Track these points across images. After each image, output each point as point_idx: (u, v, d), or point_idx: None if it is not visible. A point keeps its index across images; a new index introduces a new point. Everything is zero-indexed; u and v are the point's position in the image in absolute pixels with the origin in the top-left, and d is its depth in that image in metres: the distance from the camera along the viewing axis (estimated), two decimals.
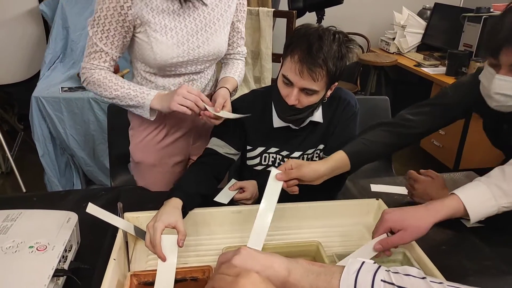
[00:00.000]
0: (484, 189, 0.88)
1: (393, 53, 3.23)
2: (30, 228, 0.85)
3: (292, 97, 0.99)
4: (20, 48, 2.68)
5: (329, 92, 1.06)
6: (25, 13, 2.62)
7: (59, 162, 2.31)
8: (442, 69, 2.71)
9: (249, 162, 1.21)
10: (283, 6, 2.87)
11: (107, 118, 1.63)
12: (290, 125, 1.13)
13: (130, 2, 1.00)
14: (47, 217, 0.90)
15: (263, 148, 1.18)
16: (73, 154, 2.30)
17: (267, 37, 2.27)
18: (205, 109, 1.05)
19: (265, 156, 1.19)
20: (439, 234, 1.02)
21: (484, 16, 2.56)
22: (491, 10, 2.64)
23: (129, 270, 0.87)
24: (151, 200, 1.06)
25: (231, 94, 1.16)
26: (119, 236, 0.89)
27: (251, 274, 0.56)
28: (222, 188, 1.10)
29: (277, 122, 1.13)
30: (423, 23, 3.20)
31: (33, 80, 2.58)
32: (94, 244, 0.93)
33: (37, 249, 0.79)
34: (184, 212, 0.93)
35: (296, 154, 1.18)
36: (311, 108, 1.04)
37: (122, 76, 1.28)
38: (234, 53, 1.28)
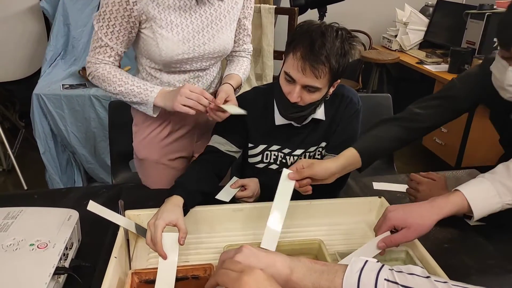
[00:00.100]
0: (488, 185, 0.87)
1: (395, 50, 3.21)
2: (31, 225, 0.85)
3: (294, 94, 0.98)
4: (21, 45, 2.67)
5: (331, 90, 1.05)
6: (25, 10, 2.61)
7: (60, 159, 2.32)
8: (445, 67, 2.69)
9: (251, 160, 1.21)
10: (285, 3, 2.86)
11: (108, 115, 1.63)
12: (292, 122, 1.12)
13: None
14: (48, 214, 0.90)
15: (265, 146, 1.18)
16: (74, 151, 2.30)
17: (268, 34, 2.26)
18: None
19: (267, 154, 1.18)
20: (442, 233, 1.01)
21: (487, 13, 2.54)
22: (494, 7, 2.63)
23: (130, 268, 0.87)
24: (152, 198, 1.06)
25: (235, 91, 1.16)
26: (120, 234, 0.89)
27: (255, 271, 0.56)
28: (223, 186, 1.10)
29: (279, 120, 1.12)
30: (426, 20, 3.18)
31: (34, 77, 2.57)
32: (95, 242, 0.93)
33: (38, 247, 0.78)
34: (185, 210, 0.92)
35: (298, 152, 1.17)
36: (314, 106, 1.04)
37: None
38: (239, 51, 1.28)
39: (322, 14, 2.80)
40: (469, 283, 0.57)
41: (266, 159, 1.19)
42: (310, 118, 1.12)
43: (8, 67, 2.67)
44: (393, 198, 1.15)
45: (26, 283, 0.71)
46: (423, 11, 3.27)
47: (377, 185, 1.24)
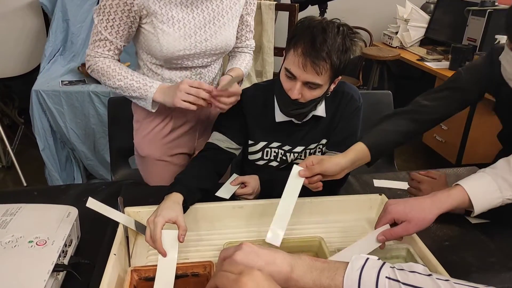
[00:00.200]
0: (489, 180, 0.87)
1: (396, 47, 3.20)
2: (29, 222, 0.84)
3: (295, 91, 0.98)
4: (20, 41, 2.66)
5: (332, 86, 1.04)
6: (24, 6, 2.60)
7: (59, 156, 2.31)
8: (446, 64, 2.68)
9: (251, 157, 1.20)
10: None
11: (107, 112, 1.62)
12: (293, 119, 1.11)
13: None
14: (47, 211, 0.89)
15: (265, 143, 1.17)
16: (74, 148, 2.29)
17: (269, 30, 2.25)
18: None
19: (267, 151, 1.18)
20: (443, 230, 1.01)
21: (488, 10, 2.53)
22: (496, 3, 2.61)
23: (129, 265, 0.86)
24: (152, 195, 1.05)
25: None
26: (120, 231, 0.88)
27: (253, 272, 0.55)
28: (223, 183, 1.09)
29: (279, 117, 1.11)
30: (427, 17, 3.16)
31: (33, 73, 2.56)
32: (94, 239, 0.92)
33: (36, 244, 0.78)
34: (185, 207, 0.92)
35: (298, 149, 1.16)
36: (314, 102, 1.03)
37: None
38: (242, 47, 1.27)
39: (322, 11, 2.79)
40: (470, 280, 0.57)
41: (266, 156, 1.18)
42: (310, 115, 1.11)
43: (7, 63, 2.66)
44: (393, 195, 1.15)
45: (25, 281, 0.70)
46: (424, 7, 3.26)
47: (377, 183, 1.23)
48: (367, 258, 0.61)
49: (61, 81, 2.22)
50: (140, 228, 0.93)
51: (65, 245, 0.80)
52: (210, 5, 1.08)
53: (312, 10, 2.79)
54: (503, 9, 2.53)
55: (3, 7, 2.53)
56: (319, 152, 1.19)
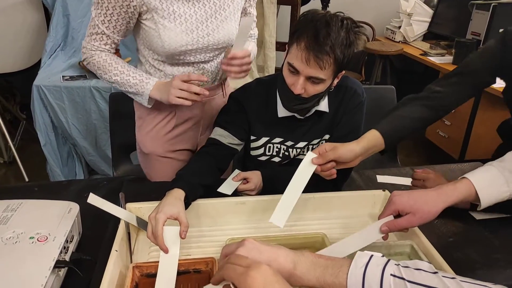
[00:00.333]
0: (496, 173, 0.85)
1: (399, 41, 3.17)
2: (30, 218, 0.84)
3: (298, 86, 0.96)
4: (21, 36, 2.65)
5: (335, 81, 1.03)
6: (25, 1, 2.59)
7: (61, 151, 2.31)
8: (449, 58, 2.66)
9: (253, 153, 1.19)
10: None
11: (108, 107, 1.61)
12: (295, 114, 1.10)
13: None
14: (48, 207, 0.89)
15: (267, 138, 1.16)
16: (75, 143, 2.29)
17: (270, 24, 2.23)
18: (205, 92, 1.04)
19: (269, 147, 1.17)
20: (447, 226, 1.00)
21: (493, 4, 2.50)
22: None
23: (131, 262, 0.86)
24: (154, 191, 1.05)
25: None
26: (121, 227, 0.88)
27: (262, 266, 0.55)
28: (225, 179, 1.09)
29: (281, 112, 1.10)
30: (430, 11, 3.13)
31: (34, 68, 2.56)
32: (96, 235, 0.92)
33: (37, 240, 0.77)
34: (187, 203, 0.91)
35: (301, 144, 1.15)
36: (317, 97, 1.02)
37: None
38: None
39: (325, 5, 2.78)
40: (475, 277, 0.56)
41: (269, 151, 1.17)
42: (313, 110, 1.10)
43: (8, 58, 2.65)
44: None
45: (26, 277, 0.70)
46: (427, 1, 3.23)
47: (381, 178, 1.22)
48: (372, 255, 0.60)
49: (62, 76, 2.21)
50: (142, 224, 0.92)
51: (66, 241, 0.80)
52: None
53: (315, 4, 2.76)
54: (508, 2, 2.50)
55: (3, 1, 2.52)
56: None
